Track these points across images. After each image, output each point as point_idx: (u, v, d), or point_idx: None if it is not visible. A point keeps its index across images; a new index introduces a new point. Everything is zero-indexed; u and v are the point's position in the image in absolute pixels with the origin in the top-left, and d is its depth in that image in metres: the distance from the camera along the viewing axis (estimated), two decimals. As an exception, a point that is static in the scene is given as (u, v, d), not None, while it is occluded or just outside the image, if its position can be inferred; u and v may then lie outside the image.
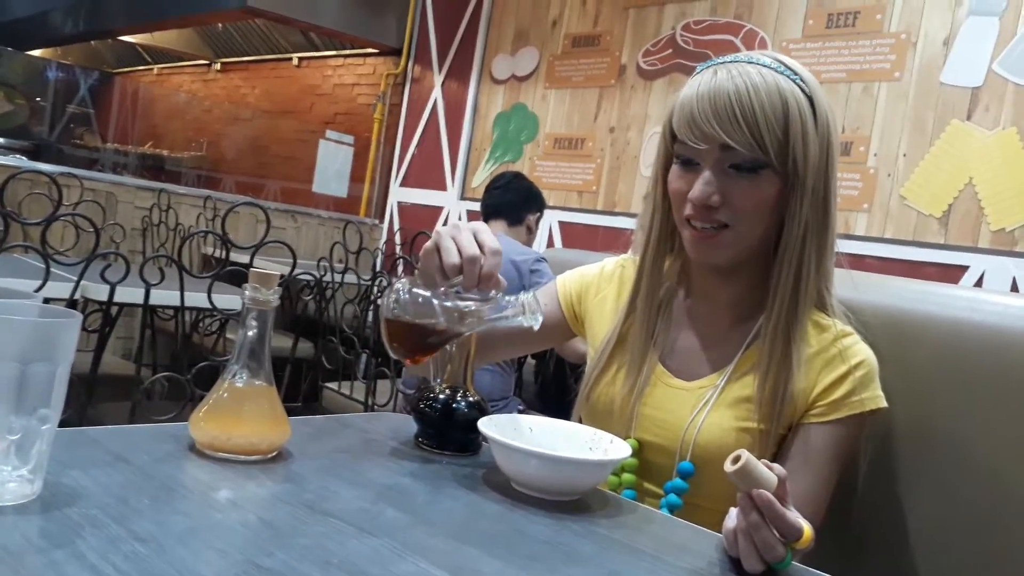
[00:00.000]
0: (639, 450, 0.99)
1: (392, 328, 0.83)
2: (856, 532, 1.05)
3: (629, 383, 1.01)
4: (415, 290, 0.83)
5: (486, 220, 2.93)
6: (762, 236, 0.95)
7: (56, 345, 0.58)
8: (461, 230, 0.86)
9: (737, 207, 0.92)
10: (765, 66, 0.92)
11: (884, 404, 0.95)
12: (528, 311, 0.82)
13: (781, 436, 0.96)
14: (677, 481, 0.95)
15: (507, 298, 0.83)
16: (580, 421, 1.05)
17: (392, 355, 0.86)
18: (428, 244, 0.87)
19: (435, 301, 0.83)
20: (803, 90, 0.92)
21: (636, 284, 1.05)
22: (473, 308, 0.83)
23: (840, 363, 0.95)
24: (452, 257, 0.83)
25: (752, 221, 0.93)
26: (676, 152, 0.96)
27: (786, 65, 0.93)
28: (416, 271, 0.90)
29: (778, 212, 0.94)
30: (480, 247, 0.84)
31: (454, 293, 0.83)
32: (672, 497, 0.95)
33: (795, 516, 0.68)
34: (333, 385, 2.96)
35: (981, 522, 0.96)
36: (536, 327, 0.83)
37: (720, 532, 0.78)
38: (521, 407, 2.68)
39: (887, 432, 1.02)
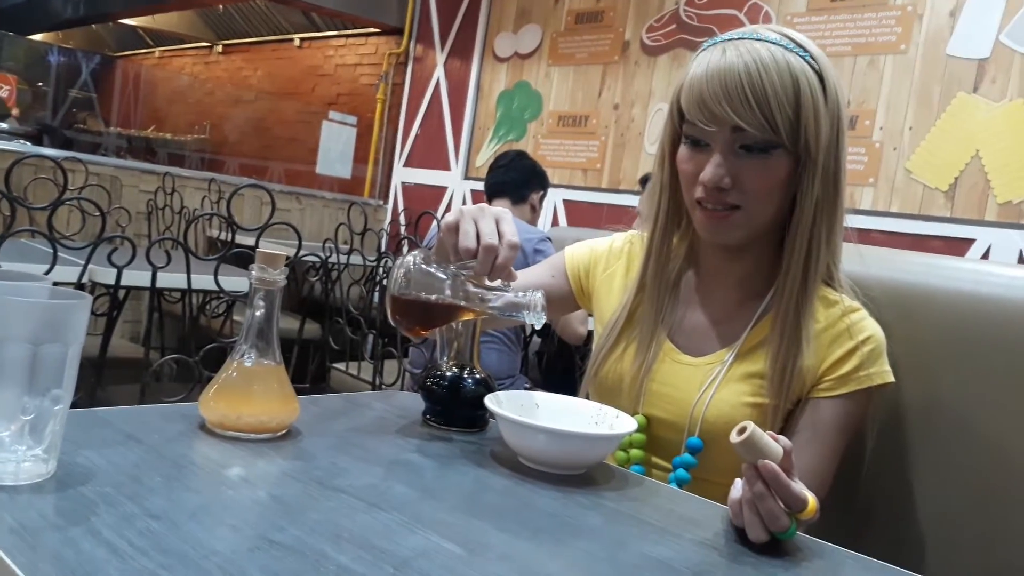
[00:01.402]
0: (647, 426, 1.00)
1: (397, 301, 0.84)
2: (863, 504, 1.06)
3: (638, 360, 1.01)
4: (426, 265, 0.84)
5: (489, 199, 2.92)
6: (773, 215, 0.95)
7: (67, 326, 0.59)
8: (484, 215, 0.85)
9: (748, 188, 0.91)
10: (773, 43, 0.90)
11: (891, 379, 0.95)
12: (533, 309, 0.82)
13: (789, 411, 0.96)
14: (686, 456, 0.96)
15: (518, 293, 0.84)
16: (588, 397, 1.06)
17: (394, 325, 0.86)
18: (450, 219, 0.86)
19: (444, 279, 0.83)
20: (812, 67, 0.90)
21: (645, 262, 1.05)
22: (480, 294, 0.83)
23: (847, 338, 0.95)
24: (469, 241, 0.83)
25: (764, 201, 0.93)
26: (685, 132, 0.95)
27: (794, 41, 0.91)
28: (430, 245, 0.90)
29: (789, 191, 0.94)
30: (500, 237, 0.83)
31: (464, 275, 0.84)
32: (681, 472, 0.96)
33: (800, 487, 0.69)
34: (341, 366, 2.98)
35: (987, 494, 0.97)
36: (538, 326, 0.84)
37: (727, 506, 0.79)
38: (528, 385, 2.69)
39: (894, 405, 1.02)
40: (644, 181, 3.14)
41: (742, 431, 0.68)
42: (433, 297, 0.83)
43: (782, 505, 0.67)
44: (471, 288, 0.83)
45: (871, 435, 1.02)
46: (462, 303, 0.83)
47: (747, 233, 0.96)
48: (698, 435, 0.96)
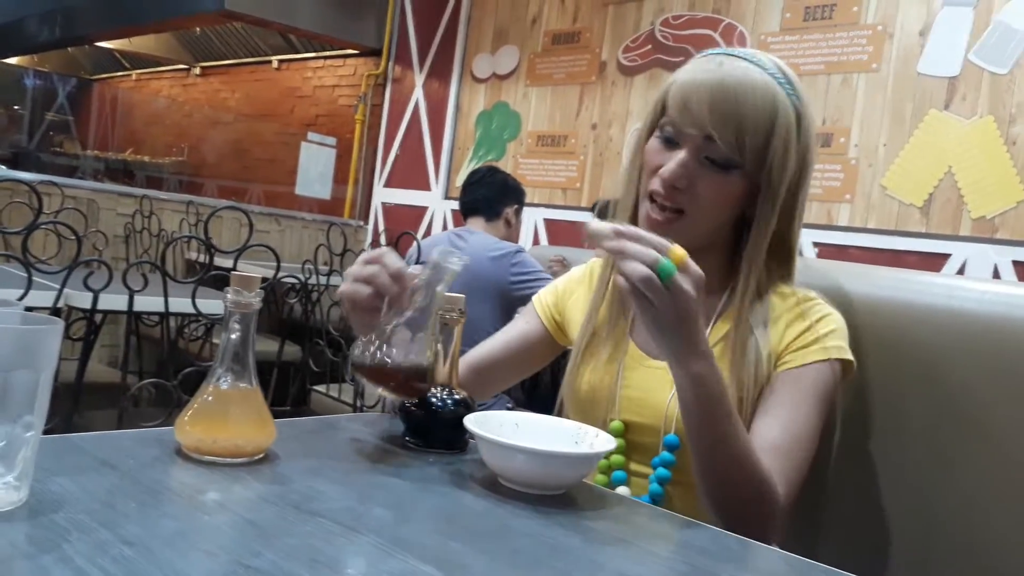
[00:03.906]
0: (624, 431, 1.02)
1: (387, 384, 0.85)
2: (828, 515, 1.06)
3: (610, 368, 1.04)
4: (366, 351, 0.84)
5: (464, 218, 2.91)
6: (714, 227, 0.99)
7: (38, 352, 0.58)
8: (354, 267, 0.87)
9: (699, 196, 0.95)
10: (767, 70, 0.94)
11: (850, 358, 0.96)
12: (444, 263, 0.84)
13: (757, 397, 0.98)
14: (664, 455, 0.98)
15: (427, 282, 0.84)
16: (563, 407, 1.09)
17: (396, 397, 0.87)
18: (344, 305, 0.88)
19: (390, 337, 0.84)
20: (795, 104, 0.95)
21: (611, 268, 1.07)
22: (419, 317, 0.84)
23: (802, 319, 0.98)
24: (362, 295, 0.84)
25: (708, 213, 0.97)
26: (661, 124, 0.98)
27: (786, 76, 0.96)
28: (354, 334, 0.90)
29: (737, 211, 0.98)
30: (375, 261, 0.85)
31: (395, 326, 0.84)
32: (661, 471, 0.97)
33: (657, 237, 0.79)
34: (321, 388, 2.96)
35: (960, 506, 0.98)
36: (460, 265, 0.84)
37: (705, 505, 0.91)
38: (510, 404, 2.68)
39: (867, 416, 1.04)
40: (595, 208, 3.15)
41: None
42: (401, 358, 0.83)
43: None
44: (410, 328, 0.84)
45: (836, 426, 1.02)
46: (418, 334, 0.84)
47: (688, 241, 0.98)
48: (674, 432, 0.97)
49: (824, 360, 0.96)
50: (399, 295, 0.84)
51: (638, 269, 0.77)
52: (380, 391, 0.85)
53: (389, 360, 0.83)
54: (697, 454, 0.87)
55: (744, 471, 0.85)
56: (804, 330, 0.97)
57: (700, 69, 0.95)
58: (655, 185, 0.97)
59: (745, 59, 0.95)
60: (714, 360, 0.84)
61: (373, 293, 0.84)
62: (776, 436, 0.91)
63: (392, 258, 0.85)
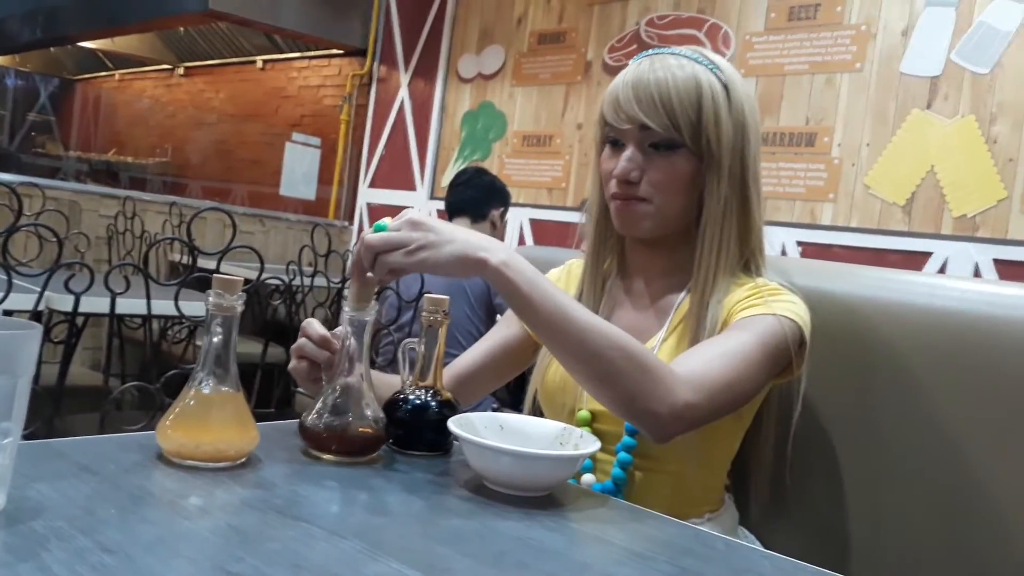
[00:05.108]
0: (591, 420, 1.03)
1: (328, 449, 0.83)
2: (795, 511, 1.07)
3: None
4: (308, 419, 0.84)
5: (450, 218, 2.90)
6: (681, 211, 1.02)
7: (16, 358, 0.58)
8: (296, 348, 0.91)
9: (655, 181, 1.00)
10: (686, 57, 1.00)
11: (803, 327, 0.95)
12: (358, 315, 0.85)
13: None
14: (627, 439, 1.00)
15: (347, 327, 0.85)
16: (535, 397, 1.12)
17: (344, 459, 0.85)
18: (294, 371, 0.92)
19: (335, 400, 0.84)
20: (719, 78, 0.99)
21: (587, 260, 1.12)
22: (354, 371, 0.85)
23: (754, 291, 0.99)
24: (300, 372, 0.91)
25: (669, 195, 1.00)
26: (605, 134, 1.05)
27: (706, 56, 1.01)
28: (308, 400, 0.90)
29: (695, 190, 1.01)
30: (301, 335, 0.91)
31: (336, 388, 0.85)
32: (623, 455, 0.99)
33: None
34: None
35: (940, 504, 0.98)
36: (373, 313, 0.86)
37: (672, 485, 0.99)
38: (495, 405, 2.68)
39: (845, 414, 1.04)
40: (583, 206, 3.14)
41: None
42: (335, 422, 0.83)
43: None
44: (347, 375, 0.85)
45: (798, 401, 1.02)
46: (356, 389, 0.84)
47: (655, 224, 1.02)
48: None
49: (768, 313, 0.95)
50: (330, 359, 0.88)
51: (363, 241, 0.82)
52: (326, 457, 0.83)
53: (322, 427, 0.83)
54: (552, 338, 0.85)
55: (603, 335, 0.83)
56: (751, 295, 0.98)
57: (622, 75, 1.02)
58: (613, 187, 1.02)
59: (662, 53, 1.02)
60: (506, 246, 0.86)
61: (308, 364, 0.90)
62: (688, 352, 0.93)
63: (315, 327, 0.90)
